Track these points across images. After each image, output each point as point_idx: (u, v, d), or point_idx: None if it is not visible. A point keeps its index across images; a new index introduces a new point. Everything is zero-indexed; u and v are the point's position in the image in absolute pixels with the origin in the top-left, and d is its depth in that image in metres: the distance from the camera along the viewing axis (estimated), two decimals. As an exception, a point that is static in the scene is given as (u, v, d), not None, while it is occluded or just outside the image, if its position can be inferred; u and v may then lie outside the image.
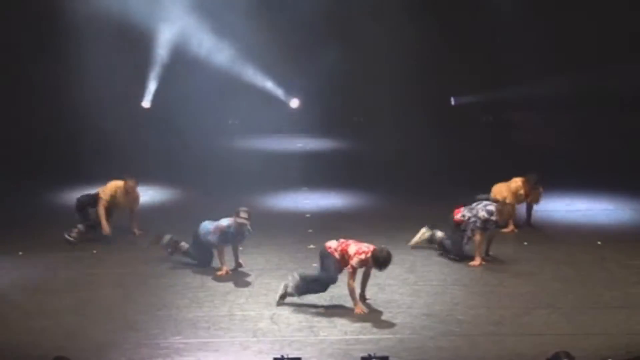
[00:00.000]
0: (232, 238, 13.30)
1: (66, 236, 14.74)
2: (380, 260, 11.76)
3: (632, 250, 14.42)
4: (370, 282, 12.46)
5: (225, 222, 13.27)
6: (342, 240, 12.06)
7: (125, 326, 11.50)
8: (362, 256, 11.80)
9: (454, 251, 13.82)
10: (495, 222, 13.69)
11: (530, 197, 15.50)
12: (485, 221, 13.62)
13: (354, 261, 11.76)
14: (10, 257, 14.15)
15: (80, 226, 14.85)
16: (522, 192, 15.35)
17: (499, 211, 13.68)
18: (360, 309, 11.79)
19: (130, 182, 15.09)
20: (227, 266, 13.27)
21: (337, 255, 11.90)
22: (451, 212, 13.98)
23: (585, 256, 14.19)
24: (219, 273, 13.21)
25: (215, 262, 13.46)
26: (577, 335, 11.11)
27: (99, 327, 11.46)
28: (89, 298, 12.45)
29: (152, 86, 23.84)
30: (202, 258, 13.55)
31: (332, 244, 12.05)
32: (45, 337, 11.14)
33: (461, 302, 12.28)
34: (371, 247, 11.84)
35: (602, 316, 11.74)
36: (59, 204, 16.51)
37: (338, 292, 12.11)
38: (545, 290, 12.72)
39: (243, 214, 13.14)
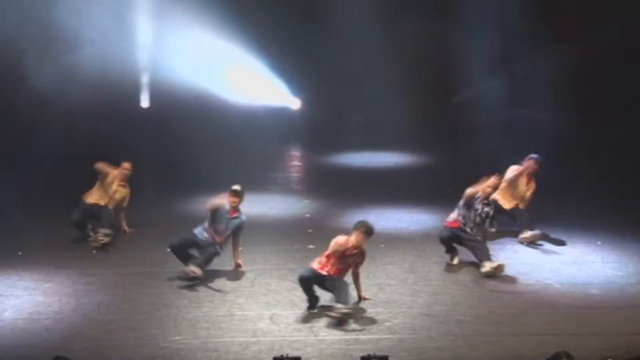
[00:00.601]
0: (224, 217, 13.33)
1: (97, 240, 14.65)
2: (362, 227, 11.88)
3: (631, 250, 14.41)
4: (370, 282, 12.47)
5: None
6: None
7: (125, 326, 11.51)
8: (338, 239, 11.86)
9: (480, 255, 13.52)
10: (484, 203, 13.65)
11: (528, 188, 15.31)
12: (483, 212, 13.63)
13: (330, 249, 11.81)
14: (9, 258, 14.14)
15: (102, 231, 14.75)
16: (520, 171, 15.20)
17: (483, 188, 13.68)
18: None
19: (127, 164, 15.22)
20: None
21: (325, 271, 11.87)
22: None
23: (585, 257, 14.18)
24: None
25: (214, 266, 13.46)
26: (577, 335, 11.11)
27: (98, 327, 11.47)
28: (88, 298, 12.45)
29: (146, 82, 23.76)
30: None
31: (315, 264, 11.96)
32: (45, 337, 11.15)
33: (461, 302, 12.27)
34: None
35: (602, 316, 11.75)
36: (60, 204, 16.45)
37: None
38: (545, 290, 12.72)
39: (234, 186, 13.35)
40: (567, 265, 13.74)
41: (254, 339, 11.06)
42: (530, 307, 12.05)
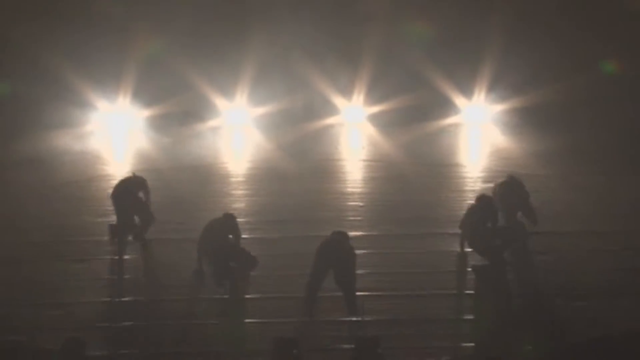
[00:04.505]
0: None
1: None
2: None
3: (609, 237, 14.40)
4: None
5: None
6: None
7: (139, 309, 11.86)
8: None
9: None
10: None
11: None
12: None
13: None
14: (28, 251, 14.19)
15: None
16: None
17: None
18: None
19: None
20: None
21: None
22: None
23: (562, 244, 14.22)
24: None
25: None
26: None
27: (110, 313, 11.77)
28: (97, 288, 12.56)
29: None
30: None
31: None
32: (59, 321, 11.46)
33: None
34: None
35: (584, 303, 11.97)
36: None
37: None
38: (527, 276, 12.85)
39: None
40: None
41: (258, 321, 11.35)
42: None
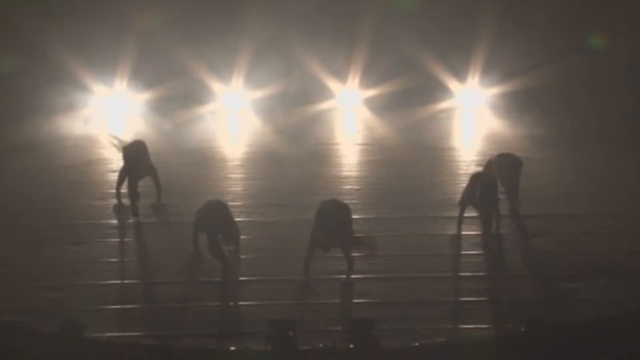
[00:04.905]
0: None
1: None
2: None
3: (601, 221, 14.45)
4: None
5: None
6: None
7: (141, 291, 11.95)
8: None
9: None
10: None
11: None
12: None
13: None
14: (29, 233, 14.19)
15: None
16: None
17: None
18: None
19: None
20: None
21: None
22: None
23: (557, 226, 14.26)
24: None
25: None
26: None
27: (107, 296, 11.75)
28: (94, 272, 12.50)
29: None
30: None
31: None
32: (58, 303, 11.46)
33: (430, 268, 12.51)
34: None
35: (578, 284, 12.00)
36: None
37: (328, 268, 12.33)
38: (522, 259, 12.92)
39: None
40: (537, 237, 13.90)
41: (254, 303, 11.37)
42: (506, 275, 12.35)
